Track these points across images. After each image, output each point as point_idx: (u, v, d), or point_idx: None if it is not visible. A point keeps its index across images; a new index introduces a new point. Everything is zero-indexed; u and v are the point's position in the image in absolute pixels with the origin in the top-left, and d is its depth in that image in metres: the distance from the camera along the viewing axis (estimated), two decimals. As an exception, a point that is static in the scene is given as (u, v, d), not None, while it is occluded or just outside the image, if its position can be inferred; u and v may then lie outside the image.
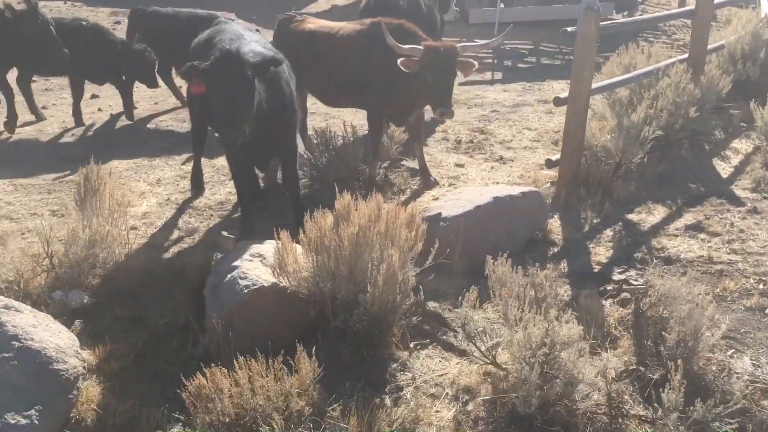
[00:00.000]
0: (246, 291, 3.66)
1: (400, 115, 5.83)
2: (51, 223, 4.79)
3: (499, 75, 10.18)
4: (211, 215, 5.48)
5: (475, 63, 5.44)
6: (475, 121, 7.86)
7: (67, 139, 7.32)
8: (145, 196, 5.79)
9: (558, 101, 5.60)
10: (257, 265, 3.86)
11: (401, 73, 5.15)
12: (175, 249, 4.91)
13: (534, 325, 3.01)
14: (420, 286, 4.31)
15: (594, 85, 5.72)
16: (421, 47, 5.18)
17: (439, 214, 4.75)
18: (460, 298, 3.76)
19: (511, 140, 7.25)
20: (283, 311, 3.74)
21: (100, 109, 8.22)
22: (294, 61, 5.44)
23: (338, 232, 3.56)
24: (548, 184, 5.89)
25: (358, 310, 3.63)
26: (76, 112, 7.63)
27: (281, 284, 3.72)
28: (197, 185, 5.82)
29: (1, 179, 6.09)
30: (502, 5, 13.06)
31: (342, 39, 5.82)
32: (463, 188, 5.65)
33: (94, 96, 8.72)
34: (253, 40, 4.67)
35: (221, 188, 5.90)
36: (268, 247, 4.01)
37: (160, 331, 3.96)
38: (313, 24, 6.17)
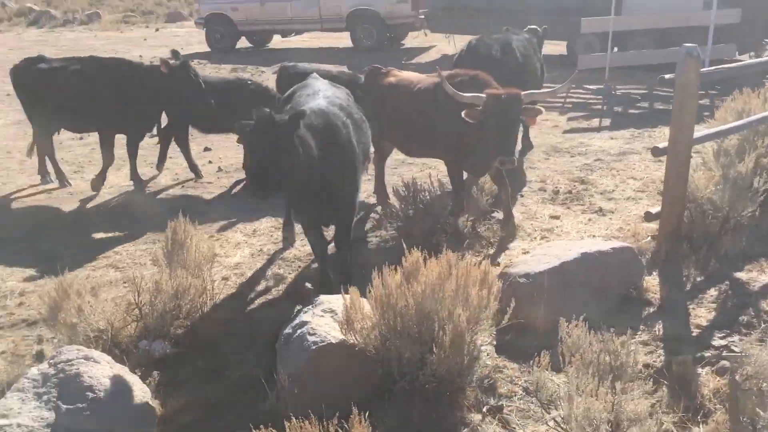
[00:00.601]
0: (314, 347, 3.65)
1: (479, 167, 5.77)
2: (147, 273, 5.05)
3: (607, 121, 9.83)
4: (299, 266, 5.57)
5: (542, 110, 5.33)
6: (576, 170, 7.61)
7: (177, 191, 7.73)
8: (240, 247, 5.99)
9: (657, 151, 5.30)
10: (328, 321, 3.85)
11: (474, 125, 5.12)
12: (259, 300, 5.02)
13: (596, 398, 2.79)
14: (495, 346, 4.18)
15: (698, 134, 5.39)
16: (483, 95, 5.13)
17: (522, 269, 4.59)
18: (531, 361, 3.58)
19: (613, 190, 6.94)
20: (351, 369, 3.69)
21: (210, 162, 8.65)
22: (377, 112, 5.54)
23: (404, 290, 3.50)
24: (648, 238, 5.57)
25: (424, 371, 3.53)
26: (192, 166, 8.09)
27: (349, 341, 3.68)
28: (288, 237, 5.96)
29: (115, 231, 6.50)
30: (615, 49, 12.70)
31: (418, 91, 5.90)
32: (553, 242, 5.44)
33: (206, 149, 9.21)
34: (326, 96, 4.77)
35: (312, 239, 6.01)
36: (341, 302, 4.00)
37: (235, 383, 4.03)
38: (394, 77, 6.31)
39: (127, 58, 8.05)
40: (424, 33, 17.34)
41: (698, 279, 4.96)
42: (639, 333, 4.33)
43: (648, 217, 5.51)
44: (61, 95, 7.29)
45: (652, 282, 4.94)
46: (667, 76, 5.20)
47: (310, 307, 4.02)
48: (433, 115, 5.71)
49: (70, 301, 4.07)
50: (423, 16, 16.57)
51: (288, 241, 5.92)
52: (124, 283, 5.28)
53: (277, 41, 19.54)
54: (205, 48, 18.47)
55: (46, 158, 7.88)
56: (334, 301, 4.04)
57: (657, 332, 4.34)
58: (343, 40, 18.42)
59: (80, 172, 8.38)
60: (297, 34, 19.33)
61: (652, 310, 4.64)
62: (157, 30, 25.02)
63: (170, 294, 4.14)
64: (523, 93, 5.22)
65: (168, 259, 4.45)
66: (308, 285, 5.07)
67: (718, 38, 11.58)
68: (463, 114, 5.13)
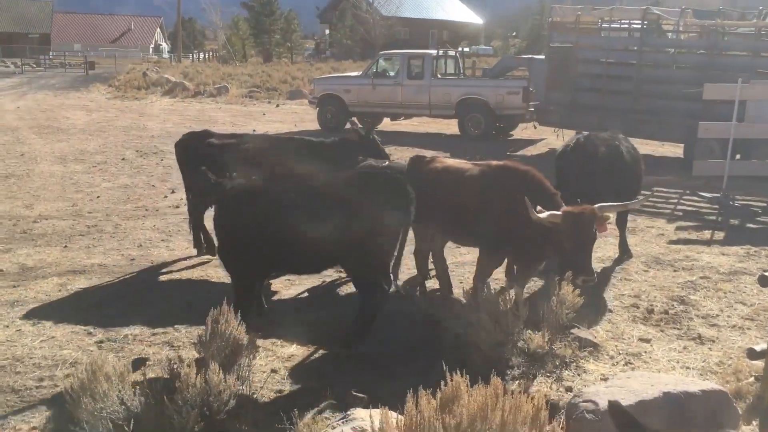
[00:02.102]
0: (333, 472, 3.26)
1: (529, 267, 5.71)
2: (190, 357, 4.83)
3: (720, 235, 8.98)
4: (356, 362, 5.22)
5: (609, 216, 5.29)
6: (676, 288, 6.88)
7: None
8: (299, 336, 5.69)
9: (765, 281, 4.63)
10: (356, 442, 3.45)
11: (525, 225, 5.10)
12: (301, 399, 4.65)
13: None
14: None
15: (817, 264, 4.68)
16: (559, 213, 5.01)
17: (592, 403, 4.01)
18: None
19: (717, 316, 6.18)
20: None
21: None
22: (421, 198, 5.43)
23: (434, 423, 3.06)
24: (752, 379, 4.83)
25: None
26: None
27: (374, 470, 3.26)
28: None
29: (184, 305, 6.42)
30: (738, 157, 11.83)
31: (467, 180, 5.81)
32: (635, 372, 4.79)
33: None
34: None
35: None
36: (377, 418, 3.59)
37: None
38: (441, 163, 6.22)
39: (300, 137, 8.24)
40: (534, 126, 17.03)
41: (809, 438, 4.18)
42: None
43: (751, 354, 4.77)
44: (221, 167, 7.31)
45: (750, 434, 4.22)
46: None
47: (340, 422, 3.65)
48: (482, 207, 5.65)
49: (98, 384, 3.89)
50: (533, 109, 16.31)
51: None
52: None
53: (386, 123, 19.82)
54: (316, 125, 18.99)
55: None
56: (367, 418, 3.64)
57: (750, 501, 3.63)
58: (451, 126, 18.41)
59: (167, 240, 8.49)
60: (406, 118, 19.53)
61: (746, 470, 3.92)
62: (277, 106, 26.19)
63: (198, 389, 3.88)
64: (597, 206, 5.09)
65: (205, 349, 4.21)
66: (354, 392, 4.66)
67: None
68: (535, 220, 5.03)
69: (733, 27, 14.49)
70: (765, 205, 10.41)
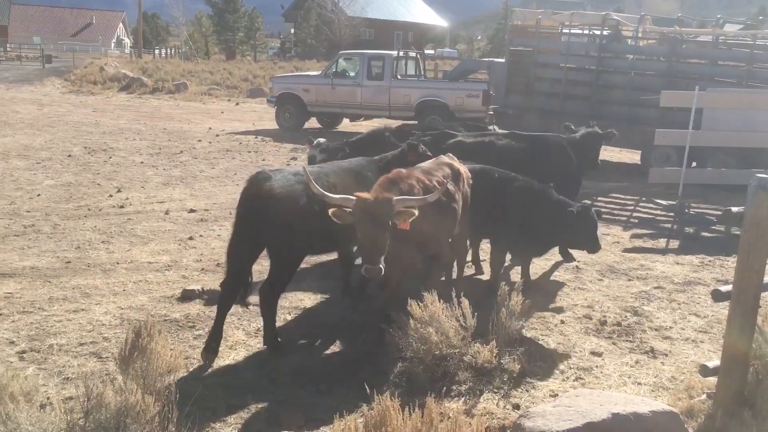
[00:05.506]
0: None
1: None
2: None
3: (675, 243, 8.91)
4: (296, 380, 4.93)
5: (415, 212, 4.77)
6: (630, 298, 6.74)
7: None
8: (235, 348, 5.40)
9: (718, 295, 4.47)
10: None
11: None
12: (231, 419, 4.36)
13: None
14: None
15: (769, 279, 4.54)
16: (352, 198, 4.78)
17: (538, 425, 3.79)
18: None
19: (670, 328, 6.04)
20: None
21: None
22: None
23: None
24: (704, 396, 4.66)
25: None
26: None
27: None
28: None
29: (121, 307, 6.06)
30: (694, 165, 11.84)
31: None
32: (584, 390, 4.59)
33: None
34: None
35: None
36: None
37: None
38: None
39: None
40: (493, 129, 16.92)
41: (760, 460, 4.02)
42: None
43: (704, 371, 4.61)
44: None
45: (701, 456, 4.04)
46: (734, 209, 4.42)
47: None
48: None
49: (3, 405, 3.54)
50: (492, 112, 16.21)
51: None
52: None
53: (346, 124, 19.54)
54: (275, 125, 18.63)
55: None
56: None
57: None
58: (413, 128, 18.22)
59: (107, 242, 8.08)
60: (366, 119, 19.29)
61: (697, 496, 3.74)
62: (237, 104, 25.71)
63: (113, 410, 3.55)
64: (395, 198, 4.78)
65: (124, 366, 3.88)
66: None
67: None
68: (330, 212, 4.78)
69: (691, 35, 14.55)
70: (720, 213, 10.39)
